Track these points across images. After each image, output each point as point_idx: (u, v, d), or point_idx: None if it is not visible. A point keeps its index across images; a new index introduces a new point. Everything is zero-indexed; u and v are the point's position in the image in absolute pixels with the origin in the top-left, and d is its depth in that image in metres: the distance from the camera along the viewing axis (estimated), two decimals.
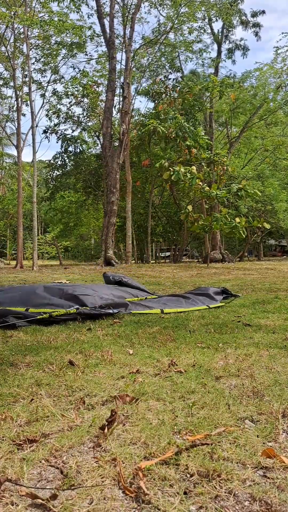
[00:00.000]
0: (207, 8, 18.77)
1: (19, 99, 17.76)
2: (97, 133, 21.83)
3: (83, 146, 22.63)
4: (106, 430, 1.32)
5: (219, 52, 22.56)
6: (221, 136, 25.66)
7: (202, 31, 20.04)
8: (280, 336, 2.82)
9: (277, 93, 20.50)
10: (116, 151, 15.53)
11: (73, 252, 38.41)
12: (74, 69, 19.56)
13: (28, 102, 17.91)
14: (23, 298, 3.93)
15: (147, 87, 21.15)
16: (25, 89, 18.09)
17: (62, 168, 22.44)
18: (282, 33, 28.72)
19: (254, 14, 22.99)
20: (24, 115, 18.67)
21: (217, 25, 27.48)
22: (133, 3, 17.08)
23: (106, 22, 16.21)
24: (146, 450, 1.23)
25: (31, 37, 17.04)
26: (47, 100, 19.54)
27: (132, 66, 17.95)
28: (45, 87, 19.11)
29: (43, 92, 19.11)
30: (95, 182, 22.54)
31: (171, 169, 14.52)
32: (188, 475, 1.10)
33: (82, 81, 19.26)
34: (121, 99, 16.85)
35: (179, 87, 18.83)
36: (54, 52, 17.87)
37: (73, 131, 21.69)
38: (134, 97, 19.58)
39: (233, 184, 16.76)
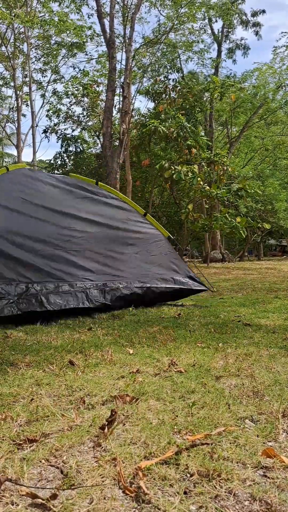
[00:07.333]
0: (207, 9, 18.73)
1: (19, 99, 17.75)
2: (97, 133, 21.81)
3: (83, 145, 22.61)
4: (106, 430, 1.32)
5: (219, 52, 22.52)
6: (221, 136, 25.64)
7: (202, 31, 20.00)
8: (280, 336, 2.82)
9: (277, 93, 20.46)
10: (116, 150, 15.51)
11: None
12: (74, 68, 19.60)
13: (28, 102, 17.92)
14: None
15: (147, 87, 21.11)
16: (25, 89, 18.10)
17: (62, 168, 22.41)
18: (282, 32, 28.75)
19: (254, 14, 22.90)
20: (24, 115, 18.71)
21: (217, 25, 27.46)
22: (133, 3, 17.06)
23: (106, 22, 16.18)
24: (146, 449, 1.23)
25: (31, 37, 17.04)
26: (47, 100, 19.53)
27: (133, 65, 17.92)
28: (45, 87, 19.12)
29: (43, 92, 19.12)
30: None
31: (173, 168, 14.49)
32: (188, 475, 1.10)
33: (82, 81, 19.24)
34: (121, 98, 16.82)
35: (179, 87, 18.79)
36: (54, 52, 17.86)
37: (73, 130, 21.67)
38: (134, 97, 19.56)
39: (233, 183, 16.73)
